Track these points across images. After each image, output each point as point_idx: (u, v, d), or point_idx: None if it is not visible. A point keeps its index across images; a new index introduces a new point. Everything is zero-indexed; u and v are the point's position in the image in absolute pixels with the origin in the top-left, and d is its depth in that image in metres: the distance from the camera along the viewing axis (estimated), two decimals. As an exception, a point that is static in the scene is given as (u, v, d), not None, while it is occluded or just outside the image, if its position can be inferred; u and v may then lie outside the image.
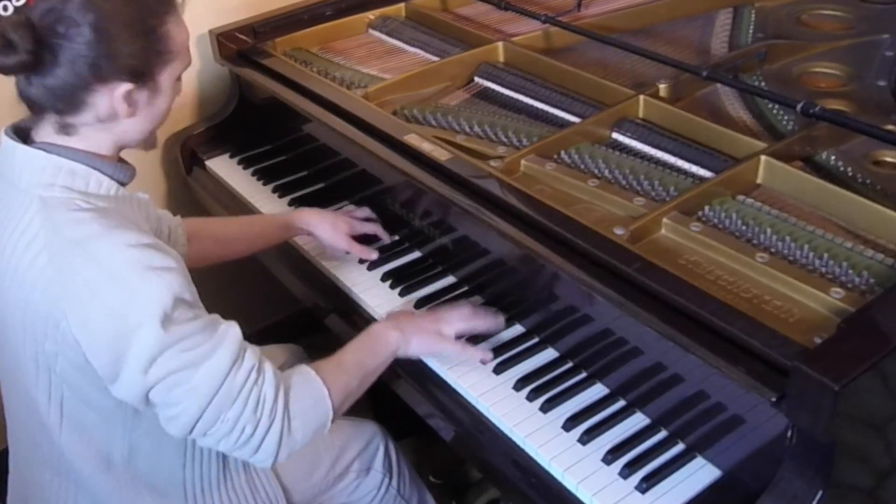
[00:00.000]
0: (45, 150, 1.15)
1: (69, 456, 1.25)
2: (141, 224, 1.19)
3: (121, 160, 1.23)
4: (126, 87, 1.13)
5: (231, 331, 1.17)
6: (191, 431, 1.16)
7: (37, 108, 1.15)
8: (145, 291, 1.09)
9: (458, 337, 1.39)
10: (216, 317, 1.18)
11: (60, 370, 1.16)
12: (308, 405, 1.22)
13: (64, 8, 1.08)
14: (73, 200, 1.12)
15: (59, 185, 1.13)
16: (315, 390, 1.23)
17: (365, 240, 1.65)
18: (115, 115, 1.15)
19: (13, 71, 1.10)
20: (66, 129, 1.15)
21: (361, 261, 1.63)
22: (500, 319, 1.42)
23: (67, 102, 1.12)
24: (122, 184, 1.20)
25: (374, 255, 1.63)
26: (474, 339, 1.41)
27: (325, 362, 1.29)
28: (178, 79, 1.22)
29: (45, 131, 1.17)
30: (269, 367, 1.19)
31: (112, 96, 1.13)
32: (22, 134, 1.18)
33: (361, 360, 1.32)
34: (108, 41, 1.09)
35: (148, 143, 1.26)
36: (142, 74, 1.14)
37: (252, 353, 1.18)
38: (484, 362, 1.38)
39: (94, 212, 1.12)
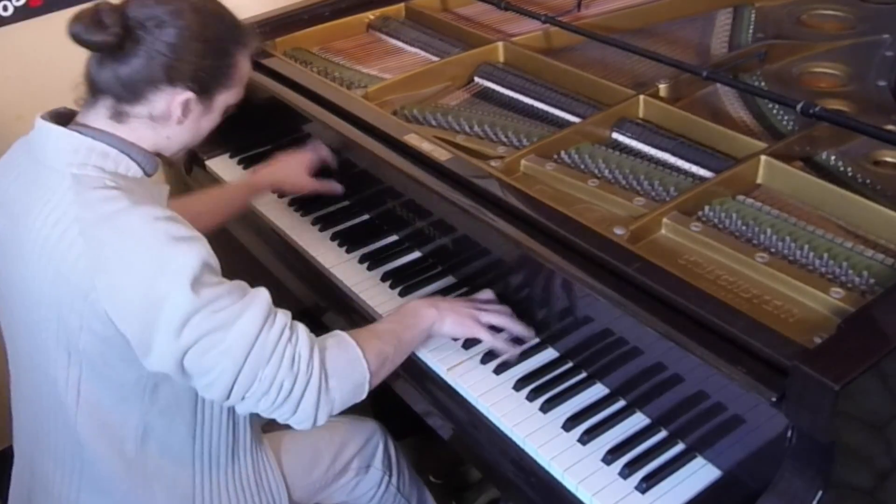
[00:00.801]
0: (80, 132, 1.19)
1: (83, 438, 1.26)
2: (162, 205, 1.22)
3: (153, 155, 1.27)
4: (188, 95, 1.20)
5: (261, 293, 1.20)
6: (230, 394, 1.17)
7: (98, 91, 1.20)
8: (174, 258, 1.13)
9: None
10: (244, 283, 1.21)
11: (83, 346, 1.18)
12: (343, 364, 1.24)
13: (157, 8, 1.17)
14: (103, 179, 1.17)
15: (92, 164, 1.18)
16: (350, 350, 1.25)
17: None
18: (167, 117, 1.21)
19: (96, 47, 1.16)
20: (118, 116, 1.20)
21: (361, 261, 1.64)
22: (531, 334, 1.41)
23: (131, 91, 1.19)
24: (148, 174, 1.24)
25: (339, 189, 1.73)
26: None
27: (358, 330, 1.32)
28: (226, 110, 1.30)
29: (96, 114, 1.21)
30: (302, 327, 1.22)
31: (172, 99, 1.20)
32: (59, 119, 1.23)
33: (396, 330, 1.35)
34: (186, 49, 1.18)
35: (179, 155, 1.32)
36: (205, 88, 1.22)
37: (283, 314, 1.21)
38: (511, 358, 1.38)
39: (122, 190, 1.17)
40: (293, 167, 1.72)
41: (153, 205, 1.17)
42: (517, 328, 1.40)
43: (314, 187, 1.72)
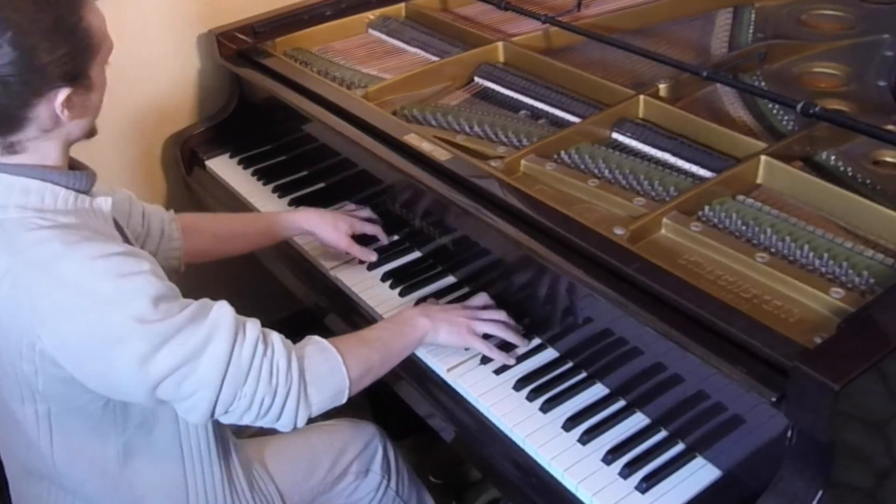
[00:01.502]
0: None
1: (62, 468, 1.24)
2: (107, 231, 1.16)
3: (74, 166, 1.19)
4: (65, 92, 1.09)
5: (222, 311, 1.15)
6: (211, 416, 1.16)
7: None
8: (119, 302, 1.07)
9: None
10: (204, 301, 1.16)
11: (43, 388, 1.15)
12: (323, 372, 1.22)
13: None
14: (28, 219, 1.08)
15: (13, 205, 1.09)
16: (329, 358, 1.23)
17: (364, 240, 1.65)
18: (57, 122, 1.11)
19: None
20: (11, 148, 1.11)
21: (361, 261, 1.63)
22: (525, 343, 1.41)
23: (7, 124, 1.09)
24: (82, 192, 1.16)
25: (374, 257, 1.62)
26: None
27: (347, 336, 1.30)
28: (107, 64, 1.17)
29: None
30: (276, 337, 1.19)
31: (52, 105, 1.09)
32: None
33: (386, 337, 1.33)
34: (33, 54, 1.04)
35: (89, 133, 1.20)
36: (76, 76, 1.10)
37: (252, 326, 1.17)
38: (508, 362, 1.38)
39: (53, 229, 1.08)
40: (340, 227, 1.61)
41: (90, 241, 1.08)
42: (511, 336, 1.39)
43: (351, 251, 1.62)
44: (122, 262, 1.09)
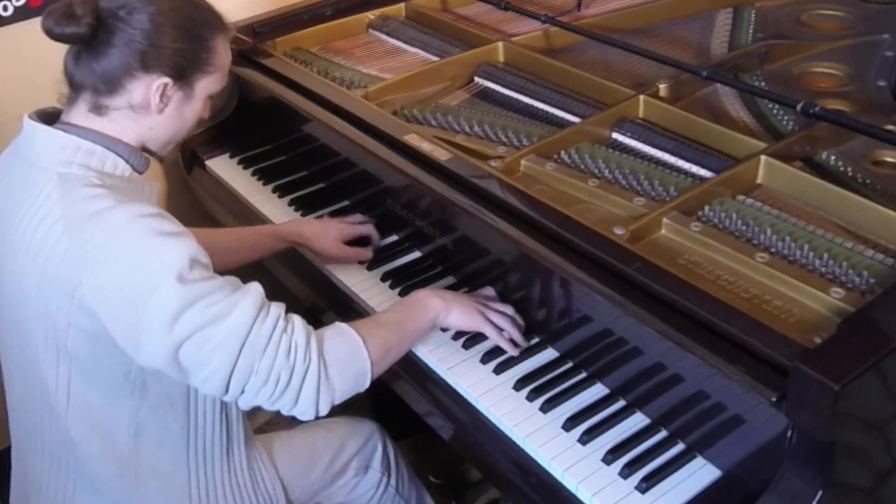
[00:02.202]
0: (65, 130, 1.20)
1: (75, 438, 1.25)
2: (150, 203, 1.22)
3: (141, 150, 1.26)
4: (164, 80, 1.19)
5: (253, 286, 1.20)
6: (228, 387, 1.17)
7: (77, 87, 1.21)
8: (160, 254, 1.13)
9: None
10: (236, 279, 1.21)
11: (72, 344, 1.18)
12: (343, 354, 1.23)
13: None
14: (89, 178, 1.17)
15: (77, 162, 1.18)
16: (350, 340, 1.24)
17: (357, 243, 1.65)
18: (146, 106, 1.20)
19: (70, 40, 1.16)
20: (98, 110, 1.20)
21: (361, 261, 1.63)
22: (525, 341, 1.40)
23: (108, 83, 1.18)
24: (138, 171, 1.24)
25: (369, 255, 1.63)
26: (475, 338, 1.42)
27: (362, 320, 1.33)
28: (210, 98, 1.28)
29: (78, 110, 1.21)
30: (297, 318, 1.21)
31: (149, 86, 1.19)
32: (47, 118, 1.23)
33: (401, 319, 1.34)
34: (160, 34, 1.17)
35: (167, 151, 1.30)
36: (181, 73, 1.21)
37: (277, 305, 1.20)
38: (514, 350, 1.38)
39: (107, 188, 1.17)
40: (330, 234, 1.63)
41: (139, 202, 1.17)
42: (516, 334, 1.39)
43: (344, 255, 1.63)
44: (165, 222, 1.16)
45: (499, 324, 1.39)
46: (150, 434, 1.27)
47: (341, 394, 1.23)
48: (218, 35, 1.26)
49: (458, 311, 1.37)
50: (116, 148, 1.21)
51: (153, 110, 1.21)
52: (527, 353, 1.40)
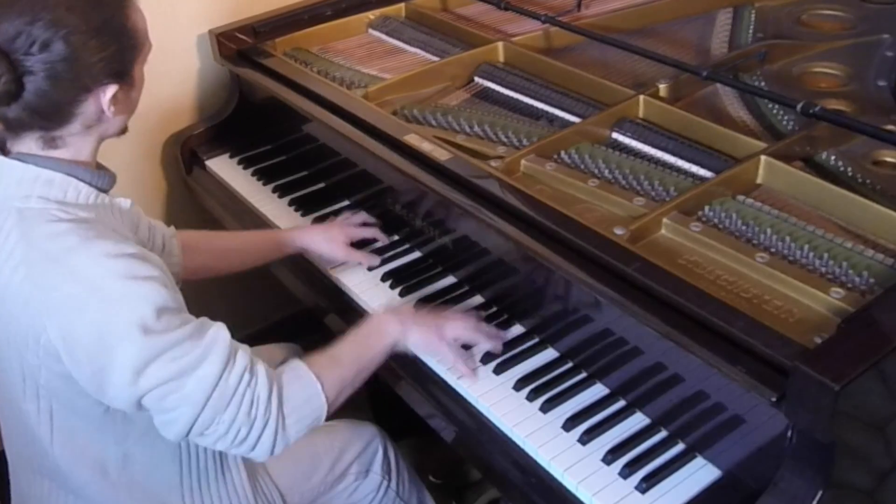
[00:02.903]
0: (21, 160, 1.14)
1: (63, 466, 1.25)
2: (123, 231, 1.18)
3: (99, 166, 1.22)
4: (112, 89, 1.14)
5: (220, 334, 1.17)
6: (187, 434, 1.17)
7: (18, 128, 1.14)
8: (126, 302, 1.09)
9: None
10: (204, 320, 1.18)
11: (46, 382, 1.16)
12: (301, 401, 1.22)
13: (32, 29, 1.06)
14: (49, 211, 1.11)
15: (36, 195, 1.12)
16: (308, 386, 1.23)
17: (362, 243, 1.65)
18: (101, 118, 1.16)
19: (1, 101, 1.08)
20: (52, 143, 1.15)
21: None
22: (501, 340, 1.40)
23: (55, 118, 1.12)
24: (103, 190, 1.19)
25: (376, 261, 1.61)
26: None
27: (320, 356, 1.29)
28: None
29: (26, 144, 1.15)
30: (261, 368, 1.20)
31: (100, 101, 1.13)
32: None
33: (358, 351, 1.32)
34: (84, 52, 1.09)
35: (122, 130, 1.24)
36: (123, 73, 1.15)
37: (243, 354, 1.18)
38: (471, 376, 1.36)
39: (71, 222, 1.11)
40: (335, 239, 1.62)
41: (106, 239, 1.11)
42: (483, 341, 1.38)
43: (350, 258, 1.62)
44: (133, 264, 1.11)
45: (461, 337, 1.37)
46: (140, 460, 1.26)
47: (295, 438, 1.23)
48: (129, 10, 1.16)
49: (416, 335, 1.36)
50: (76, 172, 1.15)
51: (108, 117, 1.16)
52: (527, 353, 1.40)
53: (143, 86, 1.22)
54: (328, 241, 1.62)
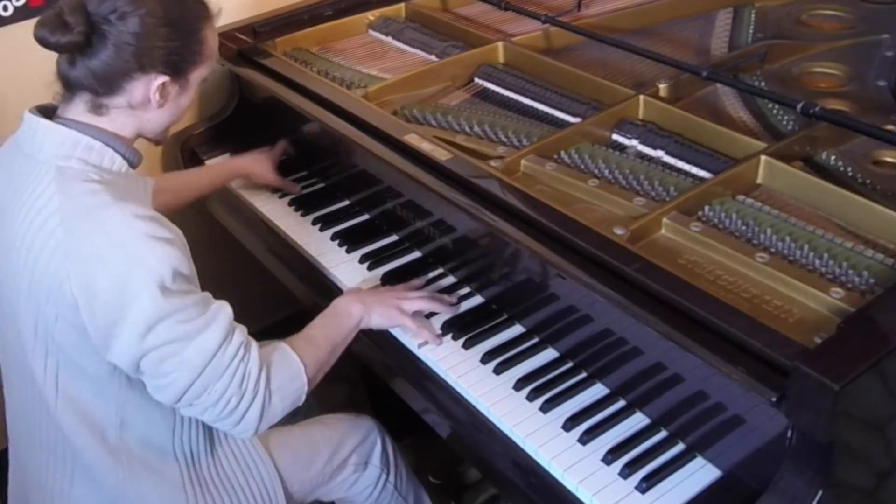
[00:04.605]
0: (65, 125, 1.21)
1: (65, 430, 1.27)
2: (145, 201, 1.25)
3: (133, 145, 1.29)
4: (163, 79, 1.22)
5: (223, 309, 1.23)
6: (179, 400, 1.21)
7: (73, 87, 1.22)
8: (148, 260, 1.15)
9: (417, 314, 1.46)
10: (208, 294, 1.24)
11: (59, 335, 1.20)
12: (286, 380, 1.29)
13: (117, 1, 1.17)
14: (87, 173, 1.19)
15: (77, 157, 1.20)
16: (292, 366, 1.30)
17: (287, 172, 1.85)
18: (146, 104, 1.23)
19: (65, 49, 1.17)
20: (98, 109, 1.22)
21: (361, 261, 1.64)
22: (454, 305, 1.49)
23: (106, 85, 1.20)
24: (132, 166, 1.27)
25: (297, 188, 1.84)
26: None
27: (297, 338, 1.36)
28: (202, 81, 1.31)
29: (76, 109, 1.23)
30: (254, 346, 1.27)
31: (149, 86, 1.21)
32: (46, 113, 1.25)
33: (329, 333, 1.40)
34: (153, 35, 1.19)
35: (162, 136, 1.34)
36: (178, 70, 1.24)
37: (240, 331, 1.25)
38: (436, 341, 1.43)
39: (105, 184, 1.19)
40: (264, 163, 1.84)
41: (135, 202, 1.19)
42: (438, 306, 1.47)
43: (278, 183, 1.84)
44: (156, 226, 1.18)
45: (422, 308, 1.46)
46: (137, 428, 1.29)
47: (280, 415, 1.30)
48: (206, 24, 1.27)
49: (379, 312, 1.44)
50: (114, 144, 1.23)
51: (153, 106, 1.24)
52: (527, 353, 1.40)
53: (192, 99, 1.31)
54: (259, 166, 1.83)
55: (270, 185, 1.85)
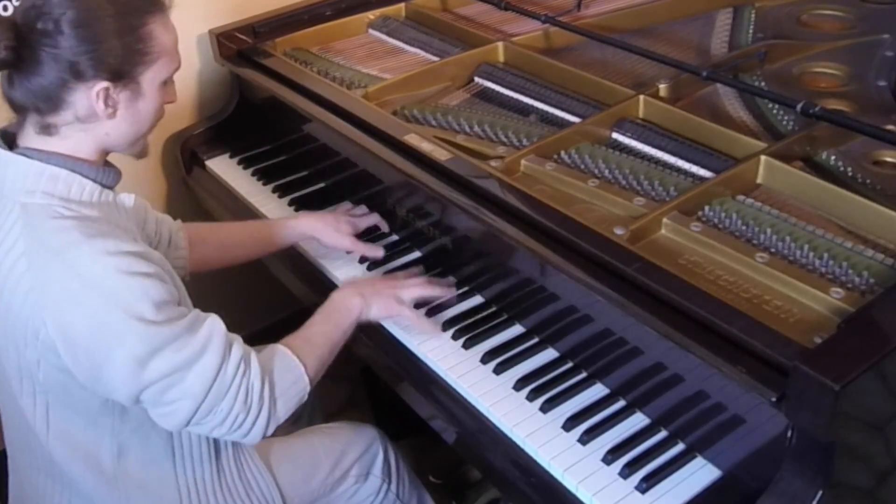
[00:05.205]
0: (26, 155, 1.15)
1: (59, 461, 1.25)
2: (129, 227, 1.19)
3: (106, 163, 1.22)
4: (103, 85, 1.12)
5: (216, 327, 1.19)
6: (185, 426, 1.19)
7: (19, 109, 1.15)
8: (124, 297, 1.10)
9: (417, 305, 1.46)
10: (197, 312, 1.19)
11: (44, 377, 1.17)
12: (288, 384, 1.27)
13: (44, 4, 1.08)
14: (53, 207, 1.12)
15: (41, 191, 1.13)
16: (293, 369, 1.28)
17: (367, 236, 1.66)
18: (94, 115, 1.14)
19: None
20: (47, 130, 1.14)
21: (362, 259, 1.64)
22: (453, 288, 1.50)
23: (47, 100, 1.12)
24: (108, 187, 1.20)
25: (380, 253, 1.62)
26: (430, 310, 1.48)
27: (296, 338, 1.34)
28: (168, 83, 1.21)
29: (28, 133, 1.16)
30: (253, 357, 1.24)
31: (89, 94, 1.12)
32: (8, 139, 1.18)
33: (328, 331, 1.38)
34: (87, 38, 1.09)
35: (136, 149, 1.24)
36: (121, 74, 1.13)
37: (237, 345, 1.22)
38: (436, 331, 1.44)
39: (75, 219, 1.11)
40: (342, 229, 1.62)
41: (107, 237, 1.11)
42: (437, 293, 1.47)
43: (356, 249, 1.62)
44: (133, 261, 1.11)
45: (419, 296, 1.45)
46: (134, 453, 1.27)
47: (285, 416, 1.28)
48: (152, 18, 1.15)
49: (377, 304, 1.42)
50: (80, 168, 1.15)
51: (102, 117, 1.14)
52: (527, 353, 1.40)
53: (158, 103, 1.20)
54: (336, 230, 1.61)
55: (346, 250, 1.64)
